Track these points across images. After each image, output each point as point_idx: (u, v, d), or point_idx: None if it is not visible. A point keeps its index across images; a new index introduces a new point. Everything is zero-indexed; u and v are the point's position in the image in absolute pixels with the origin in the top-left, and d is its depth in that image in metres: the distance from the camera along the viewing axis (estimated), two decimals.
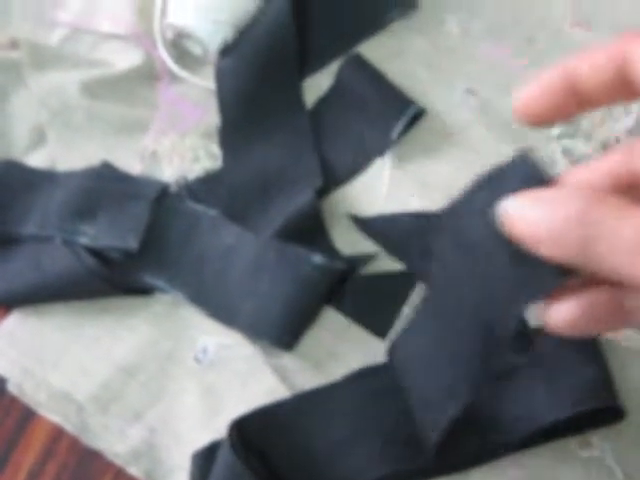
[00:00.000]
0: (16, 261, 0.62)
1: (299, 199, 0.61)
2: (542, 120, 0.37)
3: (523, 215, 0.34)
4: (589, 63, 0.36)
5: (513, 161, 0.37)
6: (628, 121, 0.62)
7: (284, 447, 0.55)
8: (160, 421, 0.58)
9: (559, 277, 0.35)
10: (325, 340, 0.59)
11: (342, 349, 0.58)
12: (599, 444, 0.55)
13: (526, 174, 0.36)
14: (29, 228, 0.62)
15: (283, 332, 0.58)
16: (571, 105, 0.37)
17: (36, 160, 0.66)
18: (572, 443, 0.55)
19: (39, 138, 0.67)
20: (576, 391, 0.54)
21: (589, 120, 0.62)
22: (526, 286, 0.37)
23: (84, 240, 0.61)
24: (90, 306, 0.62)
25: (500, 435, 0.54)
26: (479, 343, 0.41)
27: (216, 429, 0.56)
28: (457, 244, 0.40)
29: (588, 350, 0.56)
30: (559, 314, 0.37)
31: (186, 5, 0.66)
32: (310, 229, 0.61)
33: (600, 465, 0.54)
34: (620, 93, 0.36)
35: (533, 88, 0.37)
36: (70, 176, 0.64)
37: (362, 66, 0.65)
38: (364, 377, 0.57)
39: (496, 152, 0.62)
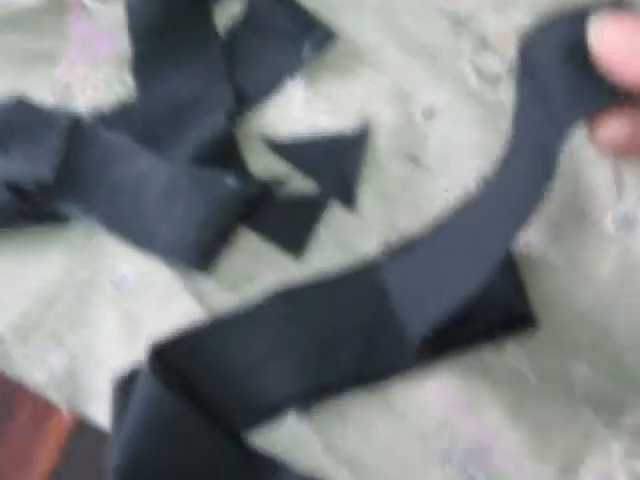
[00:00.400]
0: None
1: (212, 124, 0.61)
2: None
3: (612, 34, 0.35)
4: None
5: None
6: None
7: (203, 368, 0.56)
8: (81, 347, 0.59)
9: (617, 95, 0.36)
10: (241, 262, 0.59)
11: (258, 270, 0.59)
12: (512, 351, 0.56)
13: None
14: None
15: (198, 254, 0.58)
16: None
17: None
18: (486, 353, 0.56)
19: None
20: (488, 301, 0.54)
21: (496, 35, 0.63)
22: (583, 100, 0.37)
23: None
24: (2, 238, 0.61)
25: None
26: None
27: (136, 353, 0.57)
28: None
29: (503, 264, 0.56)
30: (608, 130, 0.37)
31: None
32: (224, 153, 0.61)
33: (513, 371, 0.55)
34: None
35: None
36: None
37: None
38: (281, 296, 0.57)
39: (407, 72, 0.63)
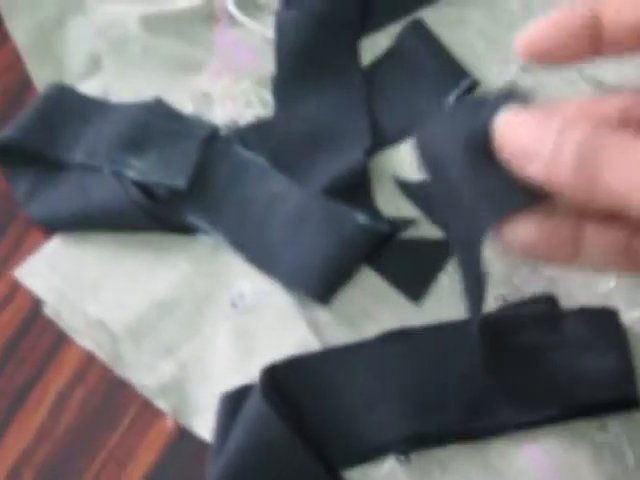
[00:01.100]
0: (62, 187, 0.63)
1: (348, 157, 0.62)
2: (550, 59, 0.35)
3: (517, 129, 0.33)
4: (616, 5, 0.34)
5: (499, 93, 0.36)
6: None
7: (312, 398, 0.57)
8: (191, 358, 0.59)
9: (529, 199, 0.34)
10: (360, 299, 0.60)
11: (376, 309, 0.60)
12: (614, 429, 0.56)
13: (513, 100, 0.35)
14: (78, 155, 0.63)
15: (320, 286, 0.59)
16: (587, 47, 0.35)
17: (89, 88, 0.67)
18: (588, 425, 0.56)
19: (93, 66, 0.68)
20: (597, 379, 0.55)
21: None
22: (493, 205, 0.36)
23: (132, 174, 0.61)
24: (131, 239, 0.62)
25: (523, 410, 0.56)
26: None
27: (246, 372, 0.57)
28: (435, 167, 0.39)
29: (612, 337, 0.57)
30: (516, 233, 0.36)
31: None
32: (355, 188, 0.61)
33: (613, 448, 0.56)
34: None
35: (548, 25, 0.35)
36: (123, 108, 0.64)
37: (423, 32, 0.66)
38: (396, 338, 0.58)
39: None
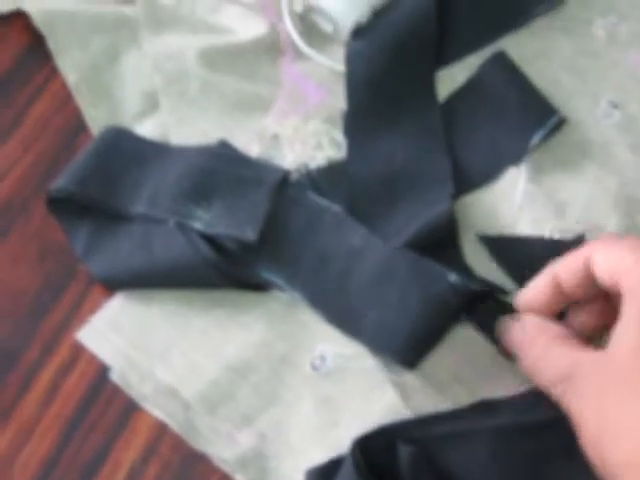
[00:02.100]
0: (124, 240, 0.59)
1: (432, 205, 0.58)
2: (540, 313, 0.52)
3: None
4: (566, 268, 0.50)
5: None
6: None
7: None
8: (271, 428, 0.56)
9: None
10: (450, 361, 0.56)
11: (467, 373, 0.56)
12: None
13: None
14: (139, 206, 0.59)
15: (408, 350, 0.55)
16: (558, 301, 0.52)
17: (147, 129, 0.63)
18: None
19: (151, 105, 0.64)
20: None
21: None
22: None
23: (198, 225, 0.57)
24: (200, 297, 0.58)
25: None
26: None
27: (330, 442, 0.54)
28: None
29: None
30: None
31: None
32: (442, 240, 0.57)
33: None
34: (591, 289, 0.50)
35: (530, 290, 0.53)
36: (185, 152, 0.60)
37: (506, 65, 0.62)
38: (491, 410, 0.54)
39: (637, 175, 0.59)
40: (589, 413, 0.47)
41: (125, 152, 0.60)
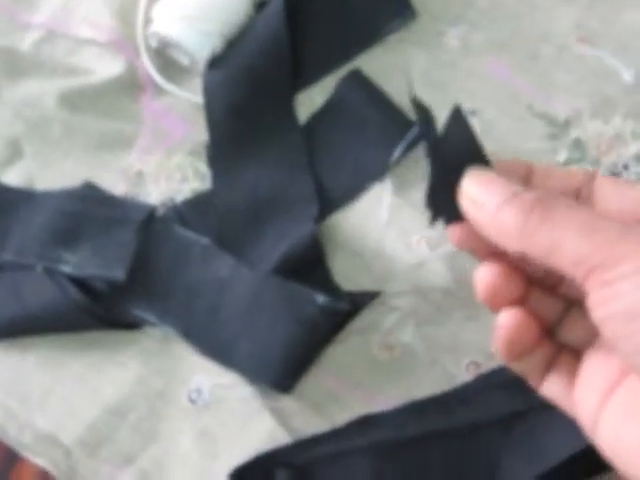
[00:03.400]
0: None
1: (297, 230, 0.58)
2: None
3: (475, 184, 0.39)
4: None
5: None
6: (635, 147, 0.60)
7: None
8: (153, 465, 0.56)
9: None
10: (326, 382, 0.56)
11: (344, 392, 0.56)
12: None
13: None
14: (6, 254, 0.59)
15: (282, 375, 0.55)
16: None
17: (12, 177, 0.63)
18: None
19: (14, 153, 0.63)
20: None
21: (596, 146, 0.60)
22: None
23: (66, 269, 0.57)
24: (75, 340, 0.59)
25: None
26: None
27: (212, 475, 0.55)
28: None
29: None
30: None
31: (171, 13, 0.62)
32: (309, 262, 0.58)
33: None
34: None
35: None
36: (50, 197, 0.60)
37: (362, 83, 0.62)
38: (370, 426, 0.55)
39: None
40: None
41: None
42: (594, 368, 0.38)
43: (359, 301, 0.57)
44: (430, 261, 0.58)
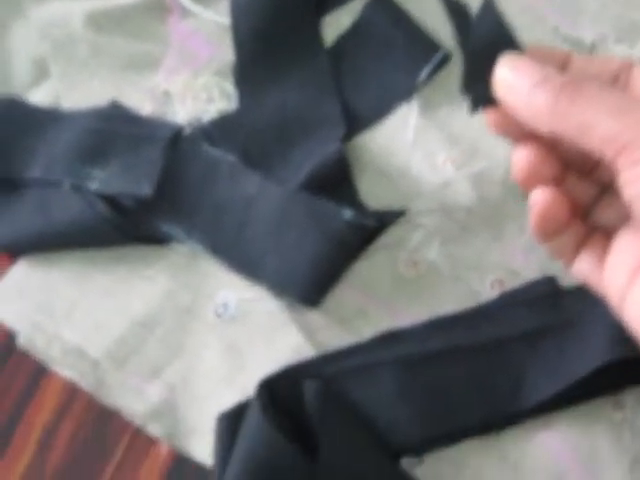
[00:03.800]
0: (22, 207, 0.59)
1: (324, 148, 0.58)
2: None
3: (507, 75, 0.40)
4: None
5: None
6: None
7: None
8: (180, 378, 0.56)
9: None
10: (352, 297, 0.57)
11: (369, 307, 0.56)
12: (629, 405, 0.54)
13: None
14: (34, 171, 0.59)
15: (309, 289, 0.56)
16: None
17: (39, 97, 0.63)
18: (603, 405, 0.54)
19: (41, 73, 0.63)
20: (606, 342, 0.52)
21: None
22: None
23: (94, 185, 0.58)
24: (102, 255, 0.59)
25: (531, 395, 0.53)
26: None
27: (239, 387, 0.55)
28: None
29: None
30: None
31: None
32: (336, 180, 0.58)
33: (632, 426, 0.53)
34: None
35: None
36: (77, 116, 0.60)
37: (388, 5, 0.62)
38: (394, 339, 0.55)
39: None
40: None
41: (18, 121, 0.60)
42: (624, 246, 0.40)
43: (385, 218, 0.57)
44: (455, 181, 0.58)
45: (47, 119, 0.60)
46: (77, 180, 0.57)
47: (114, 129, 0.59)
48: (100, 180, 0.58)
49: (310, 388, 0.53)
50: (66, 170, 0.58)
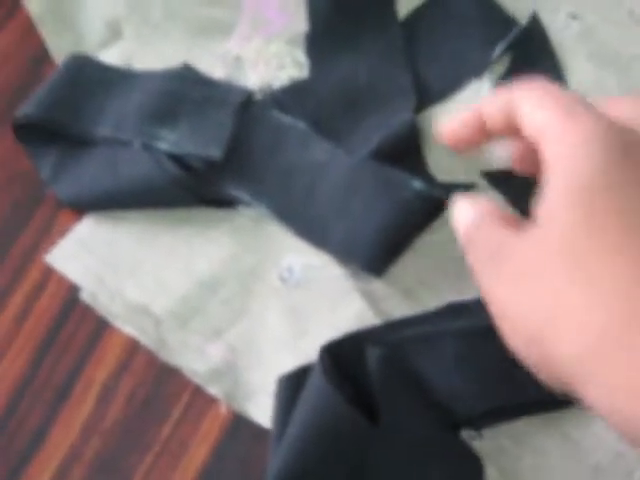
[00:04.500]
0: (90, 164, 0.59)
1: (394, 118, 0.58)
2: (460, 147, 0.47)
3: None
4: (491, 107, 0.44)
5: None
6: None
7: None
8: (242, 340, 0.56)
9: None
10: (417, 267, 0.57)
11: (434, 278, 0.56)
12: None
13: None
14: (104, 129, 0.59)
15: (375, 257, 0.56)
16: (480, 136, 0.46)
17: (111, 56, 0.63)
18: None
19: (114, 33, 0.64)
20: None
21: None
22: None
23: (164, 146, 0.58)
24: (168, 215, 0.59)
25: None
26: None
27: (301, 351, 0.55)
28: None
29: None
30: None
31: None
32: (405, 151, 0.58)
33: None
34: (512, 129, 0.43)
35: (454, 122, 0.47)
36: (149, 76, 0.60)
37: None
38: (457, 312, 0.55)
39: (595, 82, 0.59)
40: (525, 303, 0.38)
41: (89, 78, 0.60)
42: None
43: (454, 190, 0.57)
44: None
45: (119, 78, 0.60)
46: (147, 140, 0.57)
47: (185, 91, 0.59)
48: (170, 141, 0.58)
49: (373, 354, 0.53)
50: (136, 129, 0.58)
